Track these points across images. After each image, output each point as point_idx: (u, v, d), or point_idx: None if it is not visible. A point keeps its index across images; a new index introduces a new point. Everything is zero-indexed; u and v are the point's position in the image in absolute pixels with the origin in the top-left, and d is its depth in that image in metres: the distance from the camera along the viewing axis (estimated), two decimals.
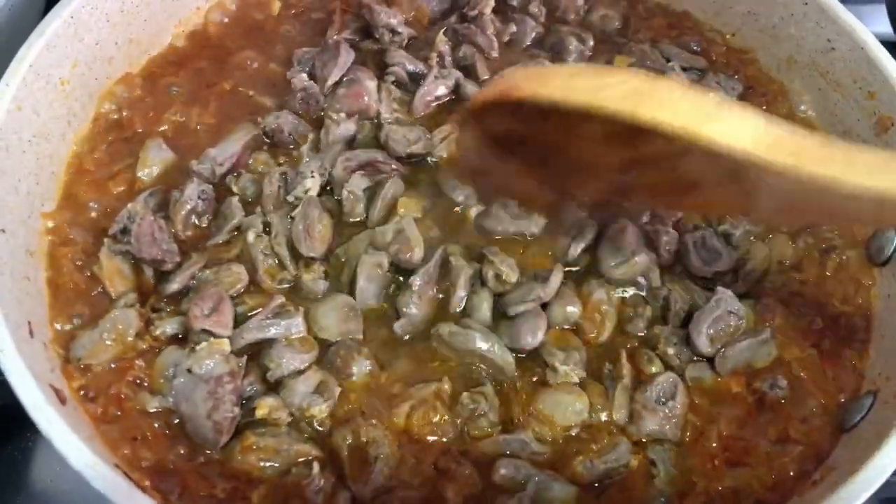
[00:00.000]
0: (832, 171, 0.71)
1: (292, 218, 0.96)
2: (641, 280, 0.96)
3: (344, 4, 1.19)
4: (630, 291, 0.96)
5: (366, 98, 1.07)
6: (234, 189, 1.00)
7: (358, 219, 0.99)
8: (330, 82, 1.08)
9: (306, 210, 0.96)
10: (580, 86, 0.73)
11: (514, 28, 1.19)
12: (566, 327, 0.93)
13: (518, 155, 0.87)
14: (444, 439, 0.85)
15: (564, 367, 0.88)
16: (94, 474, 0.71)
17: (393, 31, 1.12)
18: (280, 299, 0.90)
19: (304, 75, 1.08)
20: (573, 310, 0.93)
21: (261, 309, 0.90)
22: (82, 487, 1.02)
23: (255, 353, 0.88)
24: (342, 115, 1.05)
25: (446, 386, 0.87)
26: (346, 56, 1.09)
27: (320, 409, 0.84)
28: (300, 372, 0.86)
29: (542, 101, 0.75)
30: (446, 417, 0.86)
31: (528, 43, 1.19)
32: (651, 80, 0.73)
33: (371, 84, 1.08)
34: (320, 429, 0.85)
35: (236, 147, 1.02)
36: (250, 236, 0.95)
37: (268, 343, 0.88)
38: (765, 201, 0.78)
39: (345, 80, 1.09)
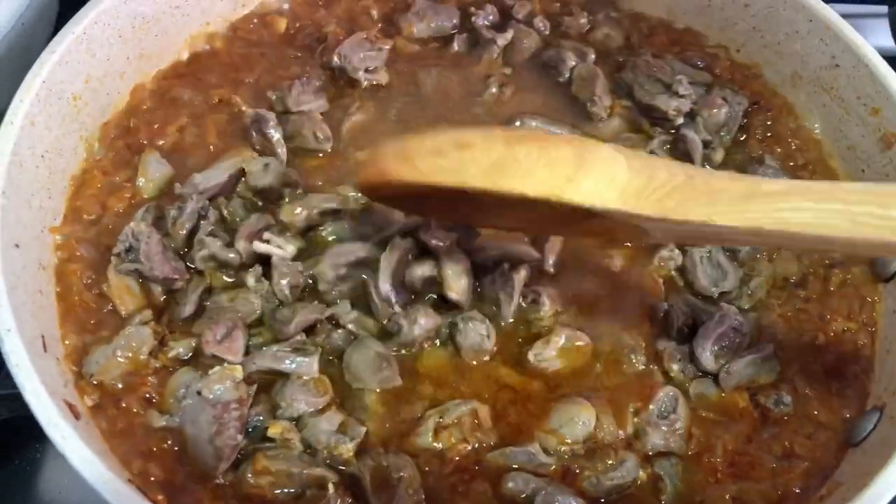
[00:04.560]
0: (699, 214, 0.74)
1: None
2: None
3: (339, 28, 1.20)
4: None
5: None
6: (224, 212, 0.99)
7: None
8: (297, 108, 1.09)
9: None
10: (443, 166, 0.75)
11: (509, 34, 1.20)
12: None
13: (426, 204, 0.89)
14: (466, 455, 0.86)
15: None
16: (109, 489, 0.72)
17: None
18: (302, 336, 0.90)
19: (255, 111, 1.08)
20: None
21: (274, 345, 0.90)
22: (90, 500, 1.04)
23: (265, 385, 0.88)
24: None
25: (484, 409, 0.88)
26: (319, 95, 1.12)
27: (347, 449, 0.83)
28: (319, 411, 0.86)
29: (412, 184, 0.77)
30: (481, 437, 0.87)
31: (527, 57, 1.20)
32: (511, 147, 0.75)
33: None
34: (343, 468, 0.84)
35: (222, 177, 1.01)
36: (250, 280, 0.94)
37: (281, 378, 0.88)
38: (652, 233, 0.81)
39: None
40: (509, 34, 1.20)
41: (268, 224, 0.98)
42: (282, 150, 1.06)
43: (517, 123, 1.11)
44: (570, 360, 0.93)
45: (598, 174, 0.74)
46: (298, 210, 0.99)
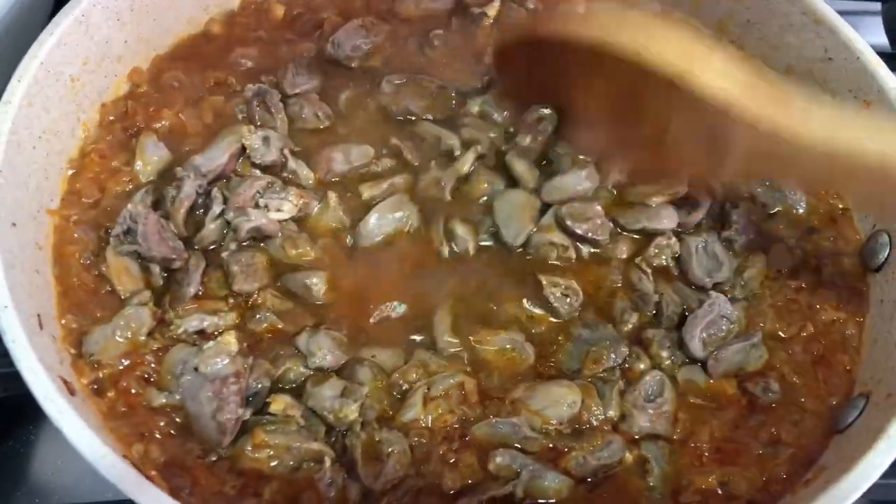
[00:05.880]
0: (794, 121, 0.83)
1: None
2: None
3: (336, 14, 1.20)
4: None
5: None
6: (226, 193, 0.99)
7: None
8: (294, 91, 1.10)
9: None
10: (599, 21, 0.87)
11: (497, 3, 1.21)
12: None
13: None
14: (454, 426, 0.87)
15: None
16: (104, 464, 0.72)
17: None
18: None
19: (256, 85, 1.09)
20: None
21: None
22: (84, 481, 1.06)
23: (262, 351, 0.90)
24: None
25: (471, 382, 0.89)
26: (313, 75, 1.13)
27: (351, 410, 0.84)
28: (322, 378, 0.88)
29: (559, 37, 0.89)
30: (467, 412, 0.87)
31: None
32: (656, 23, 0.86)
33: None
34: (347, 430, 0.85)
35: (222, 158, 1.01)
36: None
37: (309, 329, 0.91)
38: (731, 157, 0.89)
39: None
40: (497, 3, 1.21)
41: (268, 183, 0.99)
42: (282, 124, 1.07)
43: None
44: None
45: (724, 64, 0.84)
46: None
